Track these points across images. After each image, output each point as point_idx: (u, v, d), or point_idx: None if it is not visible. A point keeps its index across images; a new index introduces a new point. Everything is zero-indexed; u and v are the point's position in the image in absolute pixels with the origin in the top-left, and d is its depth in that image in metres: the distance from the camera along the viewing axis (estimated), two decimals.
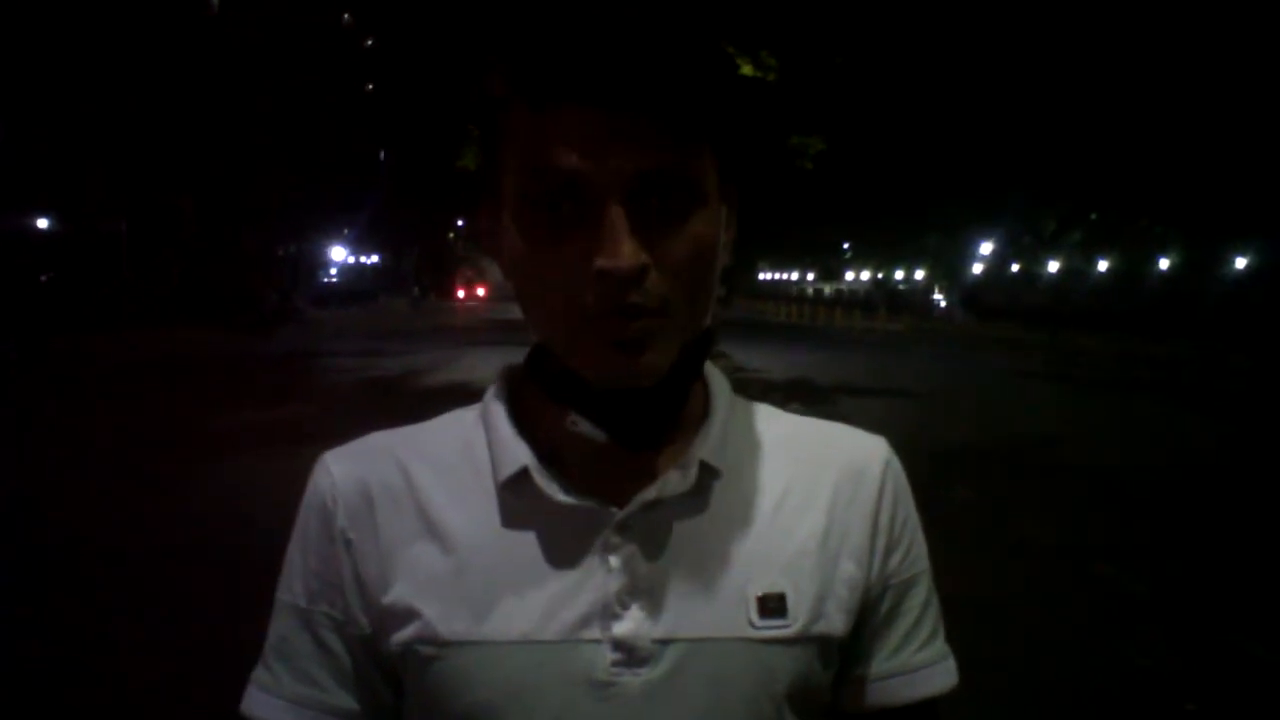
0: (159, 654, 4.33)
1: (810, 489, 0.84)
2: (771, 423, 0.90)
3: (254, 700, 0.83)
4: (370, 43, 31.31)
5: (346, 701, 0.82)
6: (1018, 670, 4.28)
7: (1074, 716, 4.04)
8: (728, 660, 0.77)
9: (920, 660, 0.86)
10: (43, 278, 27.78)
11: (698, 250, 0.72)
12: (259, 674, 0.84)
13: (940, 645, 0.88)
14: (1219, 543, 6.83)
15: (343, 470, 0.84)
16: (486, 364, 18.37)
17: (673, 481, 0.79)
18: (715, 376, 0.88)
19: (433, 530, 0.80)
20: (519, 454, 0.79)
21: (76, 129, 26.16)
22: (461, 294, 73.28)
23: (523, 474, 0.79)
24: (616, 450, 0.78)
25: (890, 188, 34.90)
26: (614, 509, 0.78)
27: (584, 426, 0.76)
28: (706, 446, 0.81)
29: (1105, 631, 4.97)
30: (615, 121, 0.68)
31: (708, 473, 0.80)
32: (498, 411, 0.84)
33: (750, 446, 0.86)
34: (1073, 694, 4.21)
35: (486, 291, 73.23)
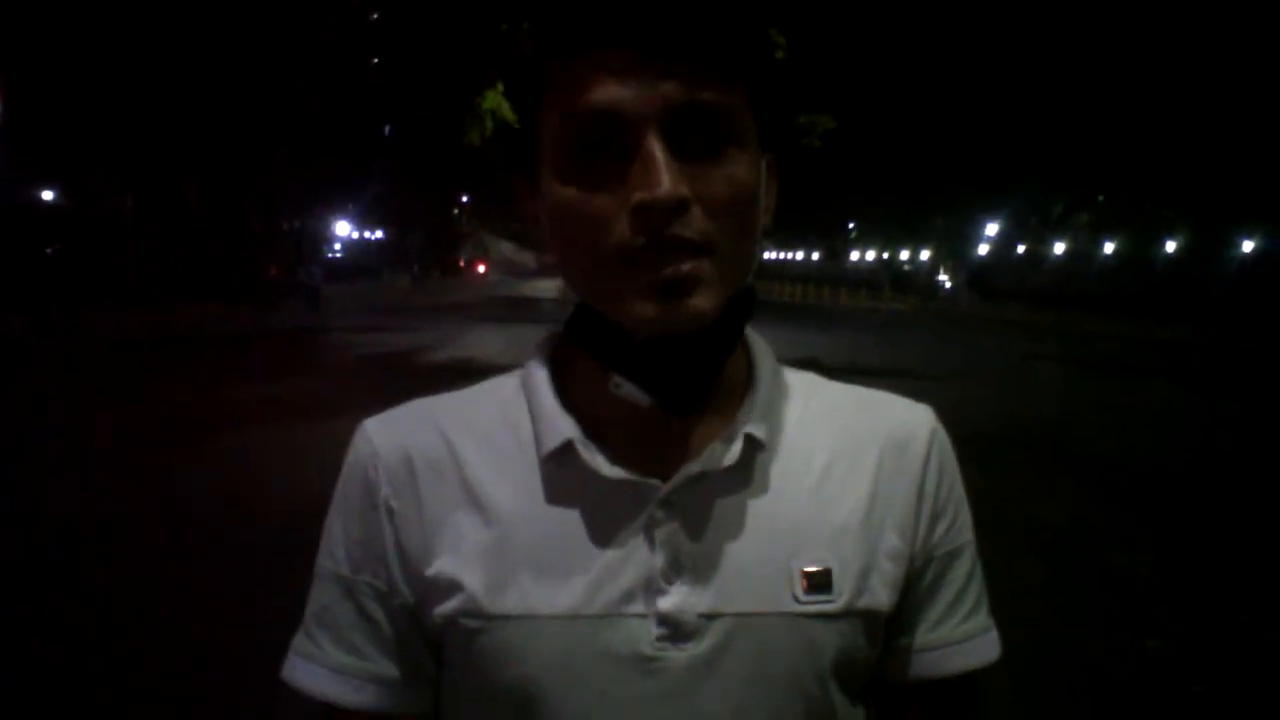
0: (158, 652, 4.31)
1: (855, 460, 0.83)
2: (815, 392, 0.88)
3: (296, 668, 0.83)
4: (375, 16, 31.22)
5: (389, 670, 0.82)
6: (1028, 654, 4.27)
7: (1084, 700, 4.05)
8: (773, 635, 0.76)
9: (964, 632, 0.86)
10: (48, 250, 27.79)
11: (738, 191, 0.71)
12: (300, 642, 0.84)
13: (984, 617, 0.88)
14: (1228, 527, 6.83)
15: (384, 438, 0.83)
16: (491, 341, 18.40)
17: (717, 455, 0.78)
18: (758, 344, 0.87)
19: (476, 502, 0.79)
20: (563, 427, 0.78)
21: (82, 102, 26.11)
22: (481, 269, 75.19)
23: (567, 447, 0.78)
24: (660, 418, 0.76)
25: (897, 168, 34.81)
26: (658, 483, 0.77)
27: (627, 389, 0.75)
28: (751, 419, 0.80)
29: (1115, 615, 4.98)
30: (649, 59, 0.68)
31: (752, 445, 0.79)
32: (540, 382, 0.83)
33: (794, 418, 0.84)
34: (1083, 677, 4.22)
35: (486, 269, 75.17)
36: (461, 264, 77.90)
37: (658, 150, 0.67)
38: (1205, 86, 27.59)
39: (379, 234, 69.46)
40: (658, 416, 0.76)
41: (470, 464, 0.81)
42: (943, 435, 0.88)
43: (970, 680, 0.86)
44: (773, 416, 0.82)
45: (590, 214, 0.70)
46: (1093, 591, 5.37)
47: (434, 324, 23.14)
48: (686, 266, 0.69)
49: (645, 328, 0.71)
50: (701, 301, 0.70)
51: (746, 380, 0.84)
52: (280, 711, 3.36)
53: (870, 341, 22.55)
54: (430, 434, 0.82)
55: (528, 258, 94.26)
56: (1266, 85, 26.10)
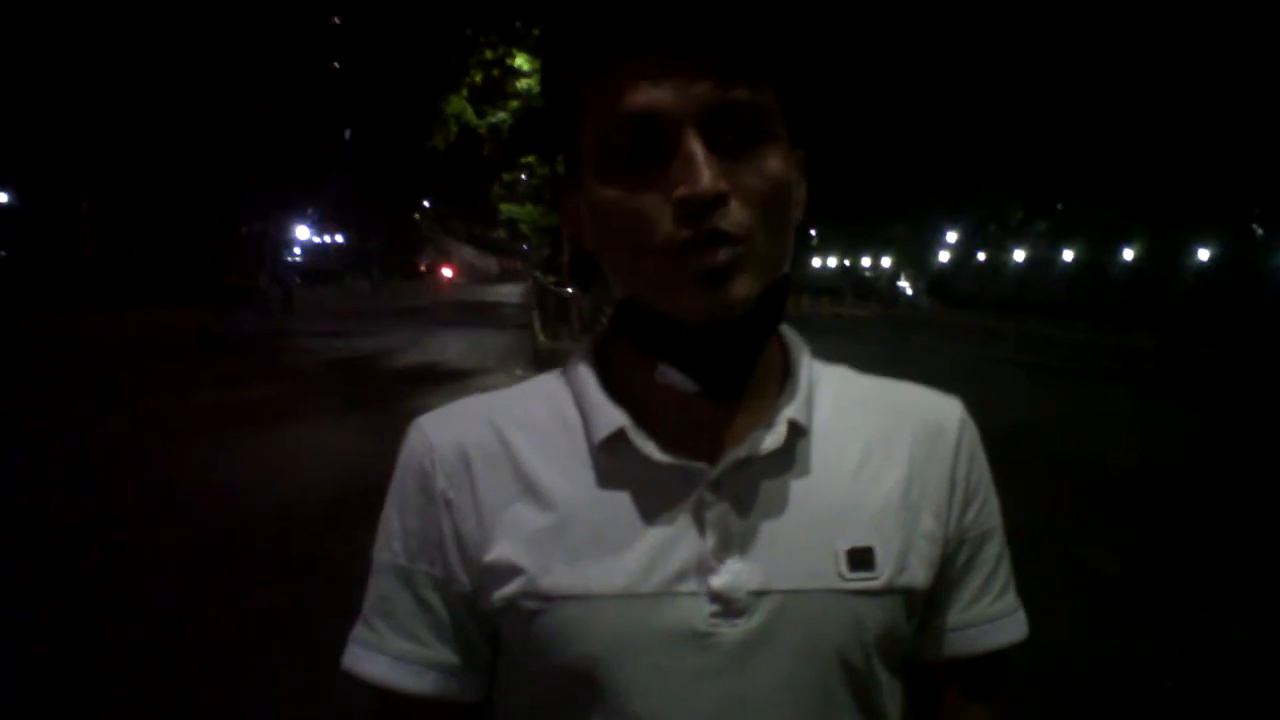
0: (153, 652, 4.26)
1: (890, 446, 0.87)
2: (850, 382, 0.92)
3: (357, 657, 0.85)
4: (337, 21, 31.05)
5: (447, 656, 0.84)
6: None
7: (1052, 698, 4.09)
8: (820, 611, 0.79)
9: (994, 611, 0.90)
10: (1, 253, 27.38)
11: (773, 184, 0.75)
12: (360, 632, 0.86)
13: (1012, 598, 0.92)
14: (1191, 527, 6.95)
15: (439, 433, 0.86)
16: (454, 345, 18.36)
17: (761, 440, 0.81)
18: (792, 337, 0.90)
19: (531, 490, 0.82)
20: (614, 416, 0.81)
21: (36, 103, 25.76)
22: (449, 273, 73.44)
23: (618, 435, 0.80)
24: (704, 405, 0.80)
25: (858, 175, 35.10)
26: (706, 467, 0.80)
27: (673, 376, 0.78)
28: (794, 406, 0.83)
29: (1081, 615, 5.04)
30: (682, 61, 0.71)
31: (795, 431, 0.82)
32: (586, 375, 0.86)
33: (832, 406, 0.88)
34: (1051, 677, 4.26)
35: (455, 274, 73.93)
36: (422, 268, 77.16)
37: (696, 147, 0.71)
38: (1161, 95, 28.04)
39: (339, 238, 68.94)
40: (701, 403, 0.80)
41: (523, 454, 0.83)
42: (971, 425, 0.91)
43: (1000, 658, 0.90)
44: (811, 404, 0.85)
45: (634, 211, 0.73)
46: (1058, 592, 5.43)
47: (397, 328, 22.99)
48: (725, 256, 0.72)
49: (690, 316, 0.75)
50: (740, 289, 0.73)
51: (783, 370, 0.87)
52: (278, 707, 3.36)
53: (834, 347, 22.22)
54: (483, 427, 0.85)
55: (490, 263, 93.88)
56: (1222, 94, 26.59)
